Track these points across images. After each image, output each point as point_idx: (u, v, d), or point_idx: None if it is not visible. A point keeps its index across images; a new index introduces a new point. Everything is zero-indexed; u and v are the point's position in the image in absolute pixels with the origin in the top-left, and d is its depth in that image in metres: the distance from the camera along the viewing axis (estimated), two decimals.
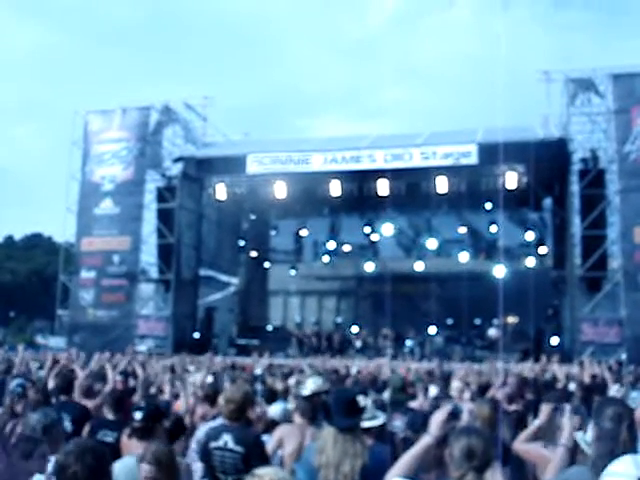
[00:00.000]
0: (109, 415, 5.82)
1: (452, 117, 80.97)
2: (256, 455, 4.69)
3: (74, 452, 3.04)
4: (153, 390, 8.31)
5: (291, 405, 6.59)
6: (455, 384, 7.71)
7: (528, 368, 13.75)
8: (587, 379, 9.86)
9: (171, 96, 26.33)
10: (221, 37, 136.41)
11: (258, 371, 12.31)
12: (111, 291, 24.75)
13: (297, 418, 5.69)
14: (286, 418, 6.24)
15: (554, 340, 23.17)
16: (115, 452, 4.62)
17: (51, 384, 7.33)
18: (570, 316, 22.63)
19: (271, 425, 6.19)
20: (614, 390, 8.71)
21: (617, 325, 20.40)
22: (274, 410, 6.47)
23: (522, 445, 4.80)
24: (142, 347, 23.60)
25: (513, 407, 7.03)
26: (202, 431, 5.28)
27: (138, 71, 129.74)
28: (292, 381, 9.77)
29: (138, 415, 4.32)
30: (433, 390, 7.91)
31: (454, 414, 4.17)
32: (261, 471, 2.77)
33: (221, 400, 5.21)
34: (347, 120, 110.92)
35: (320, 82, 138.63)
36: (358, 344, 26.15)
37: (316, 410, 5.74)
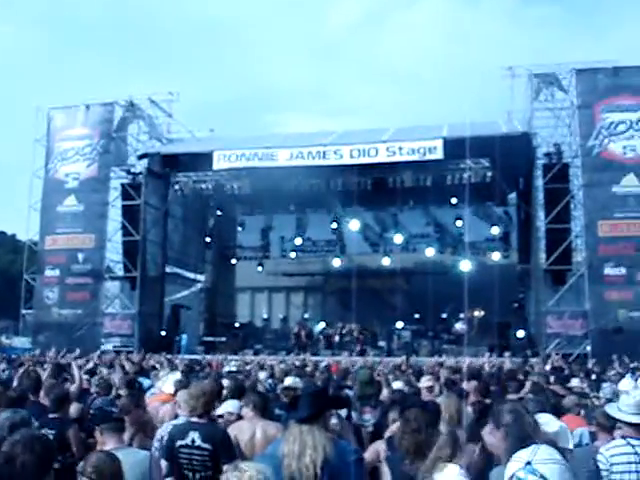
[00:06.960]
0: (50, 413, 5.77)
1: (418, 113, 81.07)
2: (224, 451, 4.66)
3: (21, 442, 2.88)
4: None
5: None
6: (424, 379, 7.69)
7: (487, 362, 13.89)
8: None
9: (136, 92, 25.96)
10: (187, 34, 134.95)
11: (230, 368, 12.18)
12: (76, 289, 24.46)
13: (248, 412, 5.58)
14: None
15: (520, 333, 23.38)
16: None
17: (15, 385, 7.17)
18: (535, 309, 22.88)
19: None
20: (575, 383, 8.83)
21: (582, 318, 20.65)
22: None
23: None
24: (108, 346, 23.38)
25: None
26: (164, 429, 5.21)
27: (103, 67, 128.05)
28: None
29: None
30: (397, 384, 7.88)
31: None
32: (244, 465, 2.72)
33: (184, 396, 5.17)
34: (314, 117, 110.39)
35: (287, 79, 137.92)
36: (325, 339, 26.07)
37: (267, 404, 5.75)
